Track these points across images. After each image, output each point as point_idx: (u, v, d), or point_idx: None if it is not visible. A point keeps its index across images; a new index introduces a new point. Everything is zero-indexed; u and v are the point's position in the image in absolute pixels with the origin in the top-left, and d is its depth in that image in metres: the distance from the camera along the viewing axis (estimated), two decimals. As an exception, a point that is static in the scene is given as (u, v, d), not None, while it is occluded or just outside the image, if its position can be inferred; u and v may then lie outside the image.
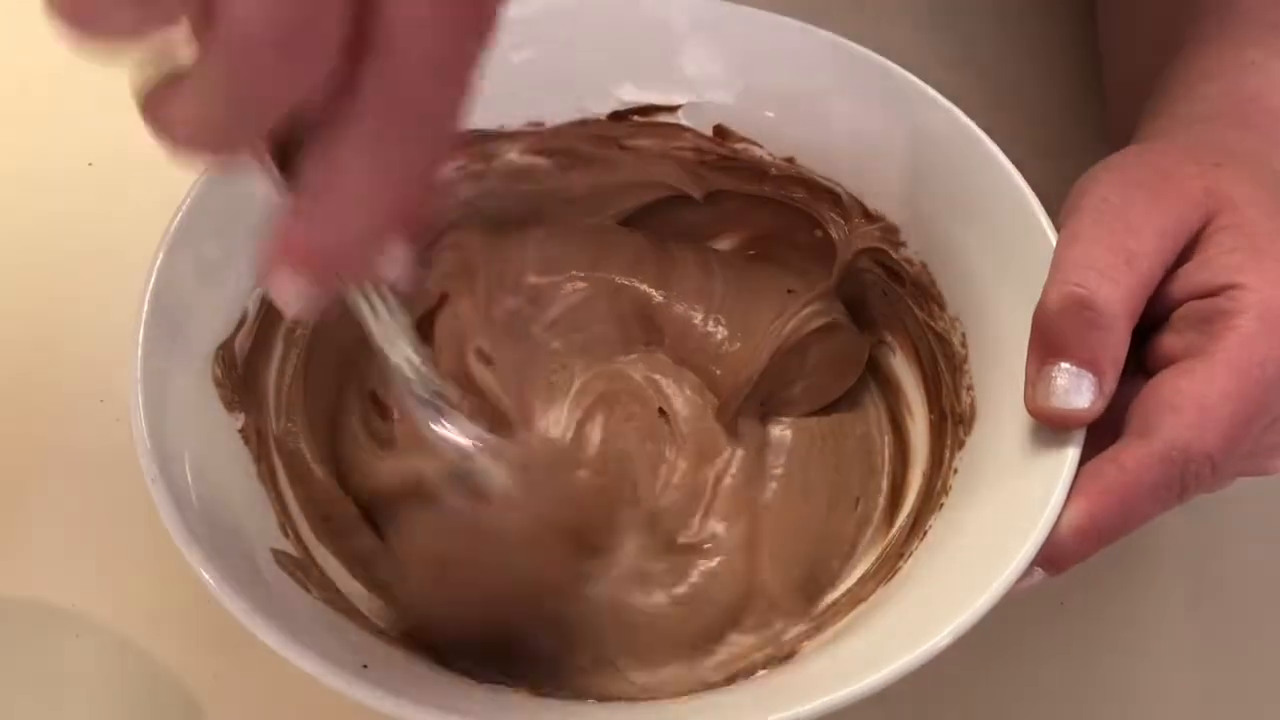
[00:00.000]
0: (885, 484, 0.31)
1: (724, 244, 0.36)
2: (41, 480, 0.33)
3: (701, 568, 0.29)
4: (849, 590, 0.29)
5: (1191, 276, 0.26)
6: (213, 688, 0.30)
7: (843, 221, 0.33)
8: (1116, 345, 0.25)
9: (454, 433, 0.25)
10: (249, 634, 0.22)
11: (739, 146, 0.33)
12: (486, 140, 0.33)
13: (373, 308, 0.22)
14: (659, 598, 0.29)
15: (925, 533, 0.28)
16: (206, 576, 0.23)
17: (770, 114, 0.33)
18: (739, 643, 0.28)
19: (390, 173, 0.18)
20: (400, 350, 0.23)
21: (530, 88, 0.33)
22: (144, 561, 0.31)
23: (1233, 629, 0.32)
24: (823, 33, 0.32)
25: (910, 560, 0.27)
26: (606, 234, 0.35)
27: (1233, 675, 0.31)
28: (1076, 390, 0.25)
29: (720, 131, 0.33)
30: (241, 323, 0.29)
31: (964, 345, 0.30)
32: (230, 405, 0.28)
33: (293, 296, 0.19)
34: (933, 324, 0.31)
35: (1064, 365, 0.25)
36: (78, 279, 0.37)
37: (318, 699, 0.25)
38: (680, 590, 0.29)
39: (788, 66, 0.32)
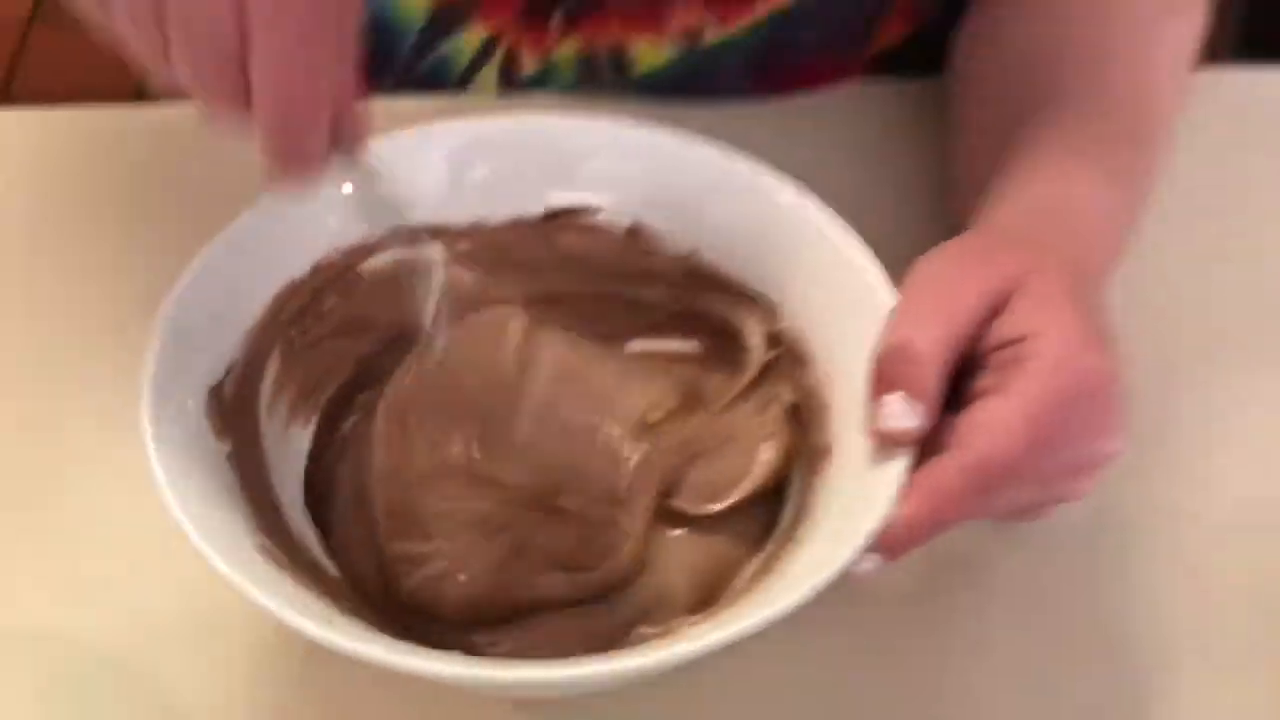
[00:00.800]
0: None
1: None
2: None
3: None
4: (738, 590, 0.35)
5: (1000, 329, 0.33)
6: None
7: (734, 302, 0.40)
8: (932, 380, 0.32)
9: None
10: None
11: (648, 239, 0.41)
12: (436, 234, 0.40)
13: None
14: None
15: (796, 537, 0.34)
16: (204, 549, 0.29)
17: (670, 214, 0.40)
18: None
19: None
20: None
21: (478, 196, 0.40)
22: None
23: (1049, 633, 0.38)
24: (708, 144, 0.39)
25: (783, 558, 0.33)
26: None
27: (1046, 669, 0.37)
28: (903, 416, 0.32)
29: (635, 227, 0.41)
30: (229, 369, 0.35)
31: (829, 393, 0.36)
32: (219, 434, 0.34)
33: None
34: (806, 377, 0.37)
35: (893, 397, 0.32)
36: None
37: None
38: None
39: (682, 174, 0.39)
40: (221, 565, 0.28)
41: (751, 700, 0.36)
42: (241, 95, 0.29)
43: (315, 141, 0.30)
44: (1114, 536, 0.40)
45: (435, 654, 0.30)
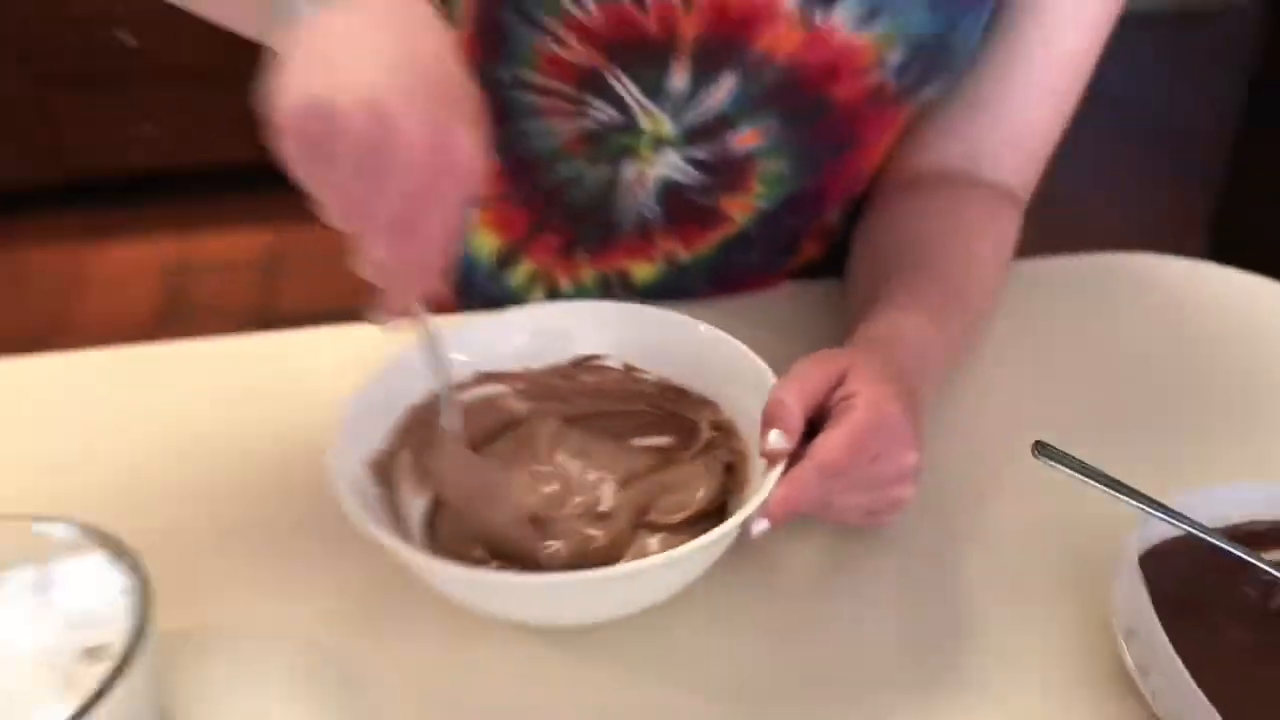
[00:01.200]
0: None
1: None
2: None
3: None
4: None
5: (837, 393, 0.56)
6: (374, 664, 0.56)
7: (692, 405, 0.63)
8: (796, 420, 0.54)
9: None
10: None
11: (636, 373, 0.64)
12: (492, 379, 0.64)
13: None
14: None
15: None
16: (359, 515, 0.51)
17: (650, 357, 0.64)
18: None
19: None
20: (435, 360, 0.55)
21: (523, 351, 0.65)
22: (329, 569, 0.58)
23: (904, 611, 0.58)
24: (673, 314, 0.63)
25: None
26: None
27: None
28: (778, 442, 0.54)
29: (627, 366, 0.64)
30: (381, 451, 0.58)
31: (749, 451, 0.58)
32: (377, 486, 0.57)
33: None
34: (737, 444, 0.60)
35: (773, 431, 0.54)
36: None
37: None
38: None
39: (657, 332, 0.64)
40: (375, 532, 0.50)
41: (704, 640, 0.56)
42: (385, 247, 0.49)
43: (411, 298, 0.53)
44: (936, 543, 0.61)
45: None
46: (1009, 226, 0.73)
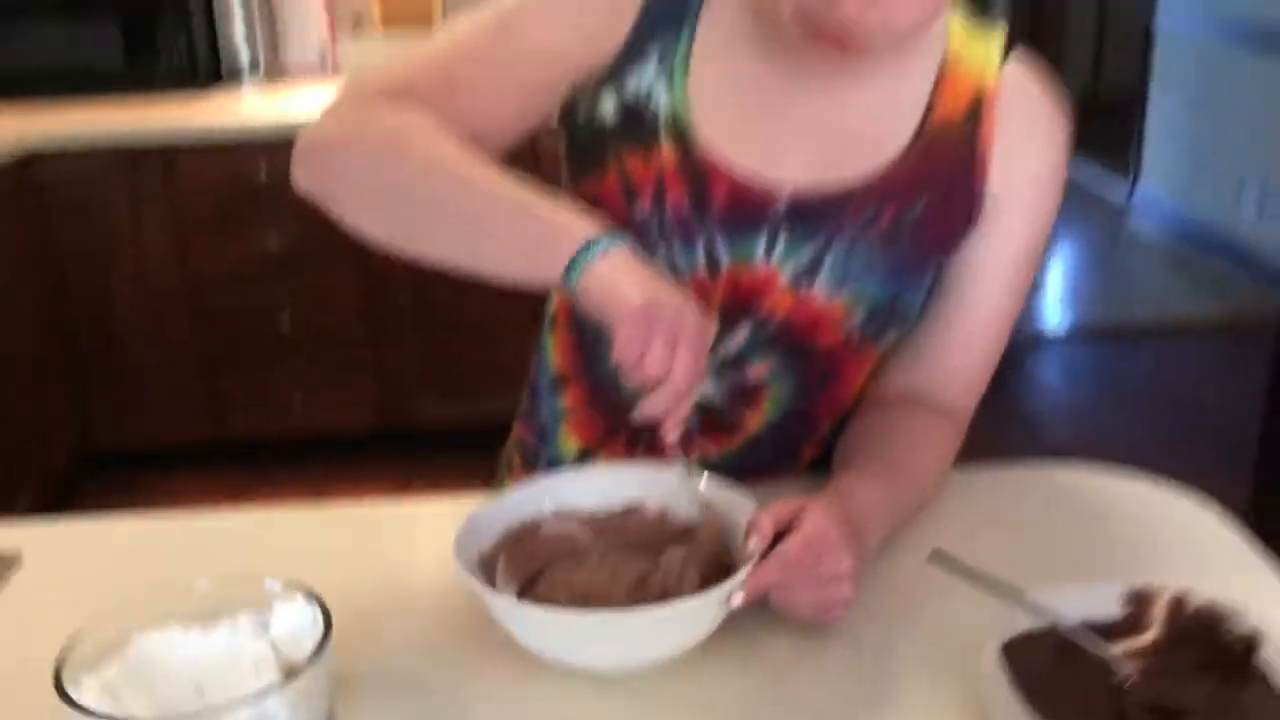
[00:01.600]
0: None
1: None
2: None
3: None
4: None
5: (797, 519, 0.81)
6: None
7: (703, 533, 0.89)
8: (766, 531, 0.80)
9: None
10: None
11: (669, 519, 0.91)
12: (564, 517, 0.91)
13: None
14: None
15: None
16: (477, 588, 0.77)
17: (678, 502, 0.91)
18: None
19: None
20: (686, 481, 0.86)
21: (591, 502, 0.92)
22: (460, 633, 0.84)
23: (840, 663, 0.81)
24: (698, 478, 0.91)
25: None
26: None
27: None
28: (755, 545, 0.79)
29: (660, 513, 0.91)
30: (486, 552, 0.85)
31: (740, 554, 0.84)
32: (506, 575, 0.83)
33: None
34: (730, 559, 0.85)
35: (753, 539, 0.80)
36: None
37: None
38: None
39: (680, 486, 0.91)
40: (475, 585, 0.76)
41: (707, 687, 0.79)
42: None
43: (680, 416, 0.82)
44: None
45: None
46: (948, 437, 1.00)
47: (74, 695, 0.67)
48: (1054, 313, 4.29)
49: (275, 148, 2.88)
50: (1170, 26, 5.02)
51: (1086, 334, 4.07)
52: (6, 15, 3.06)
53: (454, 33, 0.96)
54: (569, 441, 1.10)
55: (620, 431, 1.07)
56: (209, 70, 3.21)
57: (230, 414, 3.15)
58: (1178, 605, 0.80)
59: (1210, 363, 3.71)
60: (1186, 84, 4.90)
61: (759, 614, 0.82)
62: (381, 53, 3.44)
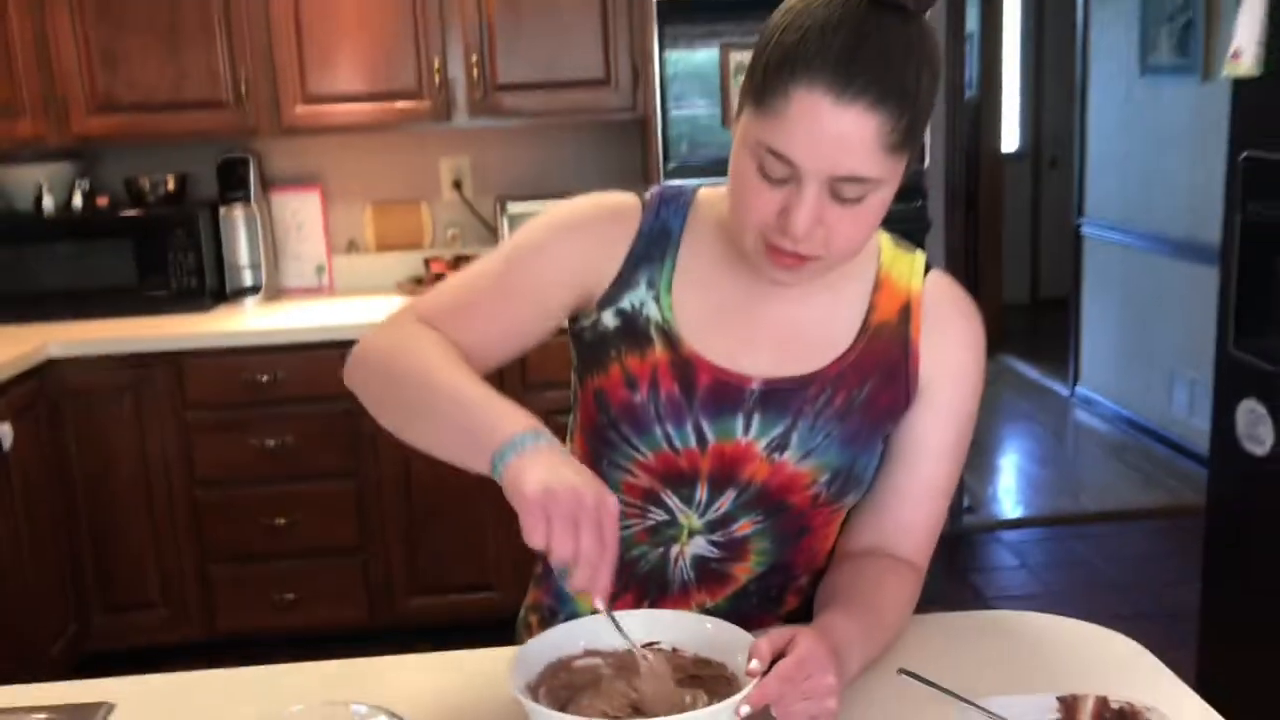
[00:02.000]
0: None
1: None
2: None
3: None
4: None
5: (790, 644, 1.00)
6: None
7: (715, 669, 1.06)
8: (765, 655, 0.98)
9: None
10: None
11: (679, 652, 1.08)
12: (592, 654, 1.08)
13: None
14: None
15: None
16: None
17: (690, 641, 1.09)
18: None
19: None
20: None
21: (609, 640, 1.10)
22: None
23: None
24: (711, 623, 1.09)
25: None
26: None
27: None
28: (755, 665, 0.97)
29: (674, 650, 1.09)
30: (532, 681, 1.02)
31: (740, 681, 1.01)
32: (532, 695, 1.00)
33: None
34: (725, 674, 1.03)
35: (753, 660, 0.98)
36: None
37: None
38: None
39: (693, 630, 1.09)
40: (525, 701, 0.94)
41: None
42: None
43: (596, 589, 0.98)
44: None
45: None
46: (910, 582, 1.20)
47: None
48: (1008, 500, 4.52)
49: (275, 355, 3.12)
50: (1095, 233, 5.47)
51: (1038, 519, 4.29)
52: (32, 240, 3.32)
53: (476, 267, 1.22)
54: (585, 600, 1.28)
55: (629, 590, 1.25)
56: (214, 291, 3.46)
57: (223, 610, 3.26)
58: (1102, 705, 0.98)
59: (1153, 544, 3.93)
60: (1114, 287, 5.30)
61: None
62: (373, 270, 3.73)
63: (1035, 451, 5.17)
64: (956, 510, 4.04)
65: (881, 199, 1.06)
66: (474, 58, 3.34)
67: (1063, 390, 5.85)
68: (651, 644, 1.10)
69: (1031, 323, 7.25)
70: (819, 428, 1.17)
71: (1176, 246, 4.68)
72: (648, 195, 1.23)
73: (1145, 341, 5.02)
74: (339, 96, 3.36)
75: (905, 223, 3.09)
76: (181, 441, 3.17)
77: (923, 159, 3.16)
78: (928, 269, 1.23)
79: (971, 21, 6.82)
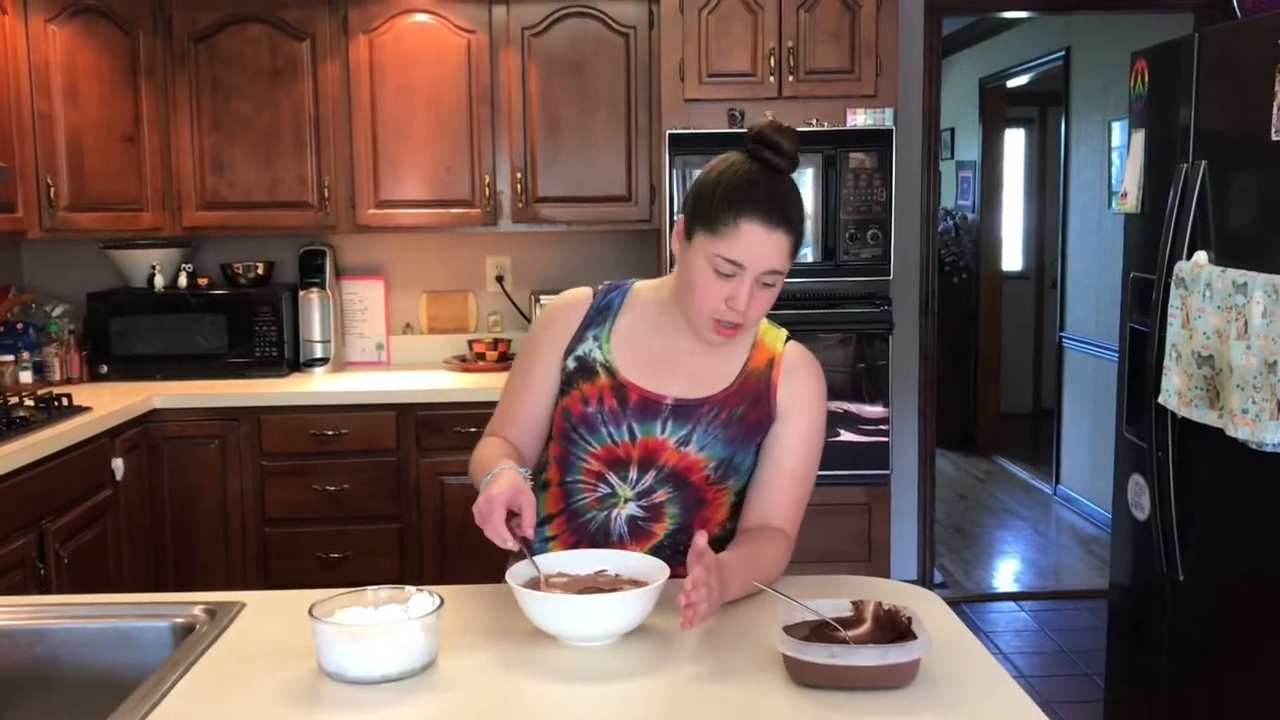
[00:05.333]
0: None
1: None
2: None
3: None
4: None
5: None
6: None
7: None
8: (702, 546, 1.55)
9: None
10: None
11: (620, 576, 1.65)
12: (552, 581, 1.65)
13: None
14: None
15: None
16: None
17: (622, 568, 1.66)
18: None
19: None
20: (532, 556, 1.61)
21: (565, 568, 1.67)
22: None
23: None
24: (630, 553, 1.66)
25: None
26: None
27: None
28: (695, 559, 1.54)
29: (616, 574, 1.66)
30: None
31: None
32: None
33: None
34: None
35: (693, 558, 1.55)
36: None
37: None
38: None
39: (621, 560, 1.66)
40: (511, 583, 1.51)
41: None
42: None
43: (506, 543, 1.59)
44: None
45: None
46: (782, 543, 1.76)
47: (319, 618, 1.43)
48: (999, 579, 5.04)
49: (338, 414, 3.75)
50: (1074, 345, 6.02)
51: (1023, 596, 4.82)
52: (144, 312, 4.00)
53: (506, 385, 1.90)
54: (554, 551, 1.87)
55: (584, 542, 1.82)
56: (291, 360, 4.11)
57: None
58: (879, 606, 1.53)
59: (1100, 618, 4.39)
60: (1090, 395, 5.82)
61: (671, 614, 1.55)
62: (425, 349, 4.37)
63: (1023, 537, 5.66)
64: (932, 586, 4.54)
65: (780, 284, 1.69)
66: (519, 175, 4.03)
67: (1047, 489, 6.35)
68: (601, 571, 1.67)
69: (1032, 430, 7.75)
70: (710, 431, 1.76)
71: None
72: (600, 287, 1.87)
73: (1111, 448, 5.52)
74: (405, 203, 4.05)
75: (870, 324, 3.70)
76: (256, 484, 3.78)
77: (888, 271, 3.76)
78: (789, 339, 1.85)
79: (974, 152, 7.50)
